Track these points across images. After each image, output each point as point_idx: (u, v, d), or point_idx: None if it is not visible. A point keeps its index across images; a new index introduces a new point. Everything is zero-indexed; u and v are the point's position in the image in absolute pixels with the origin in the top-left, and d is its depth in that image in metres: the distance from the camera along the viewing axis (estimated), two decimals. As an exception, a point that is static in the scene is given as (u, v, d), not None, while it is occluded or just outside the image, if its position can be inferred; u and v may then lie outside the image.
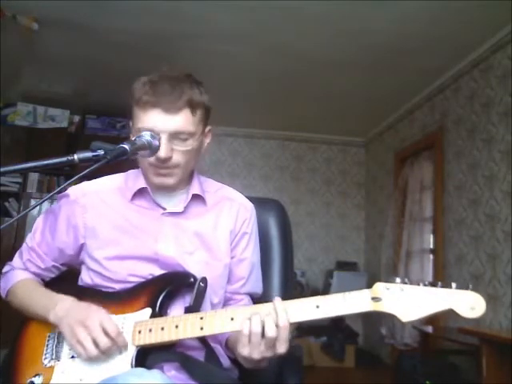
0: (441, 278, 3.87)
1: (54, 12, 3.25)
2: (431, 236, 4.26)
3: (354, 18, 3.18)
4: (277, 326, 1.02)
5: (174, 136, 1.18)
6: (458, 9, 2.96)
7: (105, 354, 1.08)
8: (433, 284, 1.00)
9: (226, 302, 1.32)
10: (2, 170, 0.93)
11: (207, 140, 1.31)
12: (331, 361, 4.67)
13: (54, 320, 1.15)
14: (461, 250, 3.64)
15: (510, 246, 3.05)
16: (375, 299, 1.02)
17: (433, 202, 4.20)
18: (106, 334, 1.08)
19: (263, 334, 1.02)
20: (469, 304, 0.97)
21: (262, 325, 1.02)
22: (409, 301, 1.00)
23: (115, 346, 1.09)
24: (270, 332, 1.01)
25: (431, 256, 4.20)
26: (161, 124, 1.17)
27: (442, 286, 0.99)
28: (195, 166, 1.32)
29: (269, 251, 1.47)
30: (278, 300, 1.05)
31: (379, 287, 1.04)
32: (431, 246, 4.24)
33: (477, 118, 3.55)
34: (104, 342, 1.07)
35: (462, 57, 3.63)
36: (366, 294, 1.04)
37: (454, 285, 0.99)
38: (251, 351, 1.04)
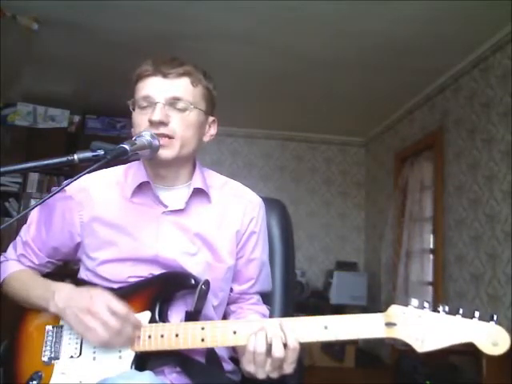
0: (441, 278, 3.87)
1: (54, 12, 3.25)
2: (431, 236, 4.25)
3: (354, 18, 3.18)
4: (285, 346, 0.98)
5: (172, 104, 1.14)
6: (458, 9, 2.96)
7: (118, 336, 1.04)
8: (453, 312, 0.93)
9: (234, 302, 1.29)
10: (2, 170, 0.92)
11: (211, 131, 1.26)
12: (331, 361, 4.66)
13: (56, 311, 1.11)
14: (461, 250, 3.64)
15: (510, 246, 3.05)
16: (389, 324, 0.95)
17: (433, 202, 4.20)
18: (115, 314, 1.03)
19: (269, 354, 0.98)
20: (491, 338, 0.90)
21: (267, 344, 0.99)
22: (426, 329, 0.93)
23: (127, 326, 1.05)
24: (278, 353, 0.98)
25: (431, 256, 4.20)
26: (158, 90, 1.14)
27: (464, 316, 0.92)
28: (194, 154, 1.25)
29: (270, 251, 1.45)
30: (285, 319, 1.02)
31: (395, 311, 0.96)
32: (431, 246, 4.23)
33: (477, 118, 3.55)
34: (114, 323, 1.03)
35: (462, 57, 3.63)
36: (379, 318, 0.97)
37: (477, 314, 0.92)
38: (256, 370, 1.00)
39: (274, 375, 1.00)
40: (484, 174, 3.41)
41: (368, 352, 4.93)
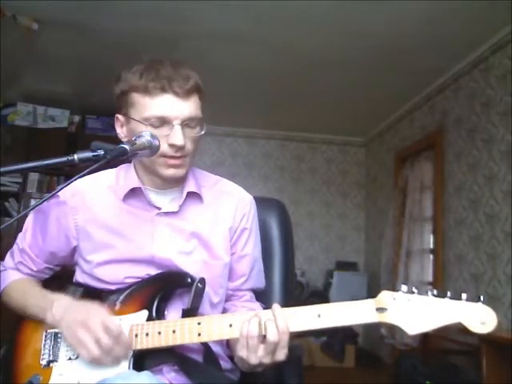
0: (441, 278, 3.87)
1: (54, 12, 3.25)
2: (431, 236, 4.26)
3: (355, 19, 3.18)
4: (277, 330, 1.00)
5: (186, 124, 1.14)
6: (458, 9, 2.96)
7: (108, 355, 1.05)
8: (442, 294, 0.95)
9: (227, 299, 1.29)
10: (2, 170, 0.93)
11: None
12: (331, 361, 4.67)
13: (52, 322, 1.12)
14: (461, 250, 3.64)
15: (510, 246, 3.05)
16: (380, 310, 0.97)
17: (433, 202, 4.20)
18: (108, 333, 1.04)
19: (263, 340, 1.00)
20: (479, 318, 0.93)
21: (259, 328, 1.01)
22: (416, 312, 0.95)
23: (118, 346, 1.05)
24: (272, 336, 1.00)
25: (431, 256, 4.20)
26: (173, 110, 1.12)
27: (452, 297, 0.94)
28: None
29: (270, 251, 1.46)
30: (276, 306, 1.04)
31: (385, 296, 0.99)
32: (431, 246, 4.23)
33: (477, 117, 3.55)
34: (106, 341, 1.04)
35: (462, 57, 3.63)
36: (370, 303, 0.99)
37: (464, 296, 0.94)
38: (248, 355, 1.02)
39: (267, 360, 1.02)
40: (484, 174, 3.41)
41: (368, 352, 4.93)
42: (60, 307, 1.12)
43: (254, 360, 1.02)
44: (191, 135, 1.16)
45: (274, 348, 1.00)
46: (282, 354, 1.01)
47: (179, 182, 1.23)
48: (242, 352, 1.03)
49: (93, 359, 1.05)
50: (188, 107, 1.14)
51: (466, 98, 3.70)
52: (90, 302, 1.12)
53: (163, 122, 1.13)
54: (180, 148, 1.13)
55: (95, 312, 1.08)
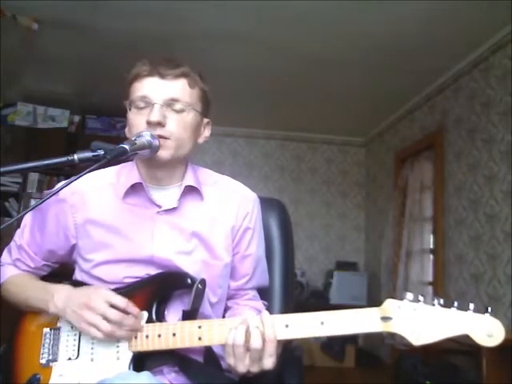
0: (441, 278, 3.87)
1: (53, 12, 3.25)
2: (431, 236, 4.26)
3: (355, 19, 3.17)
4: (263, 339, 0.99)
5: (169, 105, 1.14)
6: (458, 9, 2.96)
7: (120, 327, 1.06)
8: (448, 304, 0.93)
9: (230, 297, 1.29)
10: (2, 170, 0.93)
11: (206, 133, 1.26)
12: (331, 361, 4.67)
13: (56, 312, 1.12)
14: (461, 250, 3.64)
15: (510, 246, 3.05)
16: (385, 319, 0.95)
17: (433, 202, 4.20)
18: (114, 307, 1.06)
19: (248, 348, 0.99)
20: (486, 330, 0.90)
21: (246, 336, 0.99)
22: (421, 323, 0.93)
23: (128, 316, 1.07)
24: (255, 343, 0.98)
25: (431, 256, 4.20)
26: (155, 90, 1.14)
27: (459, 308, 0.92)
28: (189, 155, 1.24)
29: (270, 251, 1.45)
30: (265, 313, 1.03)
31: (390, 305, 0.96)
32: (431, 246, 4.23)
33: (477, 118, 3.55)
34: (114, 315, 1.05)
35: (462, 57, 3.63)
36: (375, 312, 0.97)
37: (471, 306, 0.91)
38: (236, 363, 1.01)
39: (254, 369, 1.01)
40: (484, 174, 3.41)
41: (368, 352, 4.93)
42: (61, 296, 1.13)
43: (241, 368, 1.01)
44: (176, 118, 1.15)
45: (259, 356, 0.99)
46: (269, 363, 1.00)
47: (167, 166, 1.20)
48: (229, 360, 1.02)
49: (106, 335, 1.06)
50: (172, 88, 1.15)
51: (466, 98, 3.70)
52: (88, 286, 1.13)
53: (146, 102, 1.15)
54: (156, 124, 1.12)
55: (96, 292, 1.09)
